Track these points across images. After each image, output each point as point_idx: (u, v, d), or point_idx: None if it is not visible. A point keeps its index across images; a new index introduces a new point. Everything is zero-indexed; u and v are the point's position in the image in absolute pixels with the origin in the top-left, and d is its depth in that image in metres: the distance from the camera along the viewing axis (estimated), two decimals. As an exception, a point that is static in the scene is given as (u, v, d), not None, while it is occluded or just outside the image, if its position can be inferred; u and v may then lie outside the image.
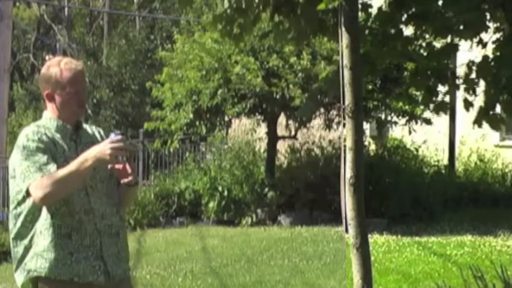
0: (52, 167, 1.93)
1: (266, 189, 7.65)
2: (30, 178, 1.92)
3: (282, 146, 8.38)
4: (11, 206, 2.02)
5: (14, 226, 2.01)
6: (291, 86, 6.96)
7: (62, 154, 1.99)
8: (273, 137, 7.95)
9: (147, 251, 6.25)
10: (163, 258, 5.81)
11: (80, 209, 1.99)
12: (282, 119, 8.03)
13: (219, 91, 7.15)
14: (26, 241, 1.99)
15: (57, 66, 2.02)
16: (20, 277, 2.01)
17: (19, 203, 1.99)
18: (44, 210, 1.97)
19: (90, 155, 1.92)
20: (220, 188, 7.68)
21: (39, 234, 1.97)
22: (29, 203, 1.97)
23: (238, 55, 7.20)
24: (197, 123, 7.46)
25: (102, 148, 1.91)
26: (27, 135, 1.98)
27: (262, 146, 8.39)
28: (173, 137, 7.53)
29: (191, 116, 7.32)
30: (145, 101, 12.65)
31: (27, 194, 1.94)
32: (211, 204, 7.64)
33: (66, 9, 18.73)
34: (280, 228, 7.27)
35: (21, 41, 19.93)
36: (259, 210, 7.59)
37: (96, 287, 2.00)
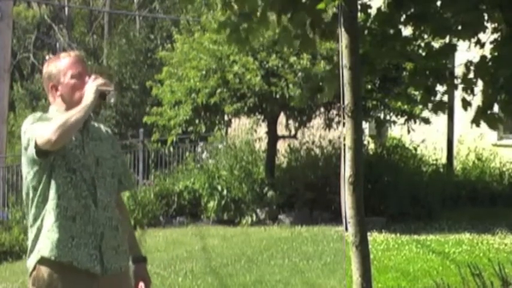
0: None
1: (266, 189, 7.67)
2: (39, 129, 1.96)
3: (281, 146, 8.40)
4: (25, 189, 2.05)
5: (29, 209, 2.04)
6: (290, 85, 6.99)
7: (69, 141, 2.01)
8: (272, 137, 7.98)
9: (147, 250, 6.26)
10: (164, 257, 5.82)
11: (86, 195, 2.02)
12: (281, 119, 8.05)
13: (218, 90, 7.18)
14: (38, 222, 2.02)
15: (55, 60, 2.09)
16: (32, 260, 2.02)
17: (33, 185, 2.01)
18: (53, 191, 2.00)
19: (89, 93, 1.99)
20: (220, 188, 7.70)
21: (48, 215, 2.01)
22: (41, 181, 2.00)
23: (237, 55, 7.23)
24: (196, 121, 7.49)
25: (92, 84, 2.00)
26: (34, 115, 2.04)
27: (262, 145, 8.42)
28: (171, 132, 7.56)
29: (190, 113, 7.36)
30: (145, 101, 12.68)
31: (37, 151, 1.95)
32: (211, 204, 7.67)
33: (66, 8, 18.74)
34: (280, 227, 7.28)
35: (22, 41, 19.92)
36: (259, 210, 7.62)
37: (92, 276, 2.01)
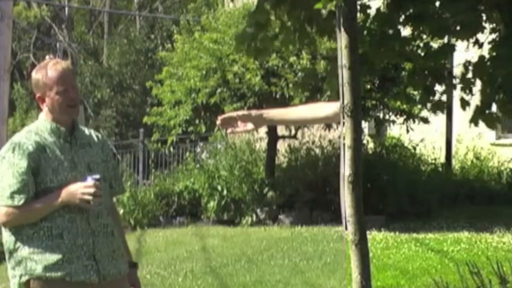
0: (23, 197, 1.96)
1: (266, 189, 7.69)
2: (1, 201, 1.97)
3: (282, 146, 8.42)
4: None
5: (4, 229, 2.04)
6: (290, 85, 7.02)
7: (54, 158, 2.00)
8: (273, 137, 8.00)
9: (147, 250, 6.28)
10: (164, 258, 5.83)
11: (73, 208, 1.99)
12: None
13: (218, 90, 7.20)
14: (11, 244, 2.01)
15: (43, 69, 2.04)
16: (13, 283, 2.02)
17: None
18: None
19: (62, 194, 1.96)
20: (220, 188, 7.72)
21: (25, 238, 1.98)
22: None
23: (236, 54, 7.25)
24: (196, 121, 7.51)
25: (74, 191, 1.95)
26: (14, 148, 1.99)
27: (262, 145, 8.44)
28: (171, 132, 7.57)
29: (190, 113, 7.38)
30: (146, 101, 12.70)
31: None
32: (211, 204, 7.69)
33: (66, 8, 18.75)
34: (281, 228, 7.30)
35: (22, 41, 19.93)
36: (259, 210, 7.64)
37: (89, 287, 2.00)
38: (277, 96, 7.08)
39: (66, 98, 2.02)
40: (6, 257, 2.03)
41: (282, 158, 8.39)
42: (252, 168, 7.93)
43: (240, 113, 2.14)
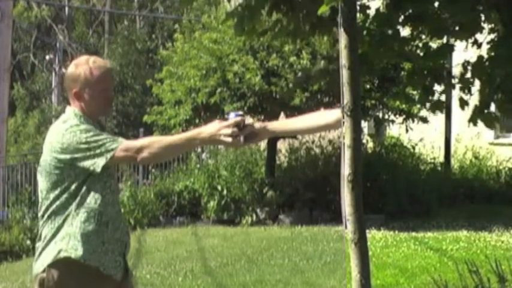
0: (120, 138, 1.96)
1: (266, 189, 7.71)
2: (113, 144, 1.93)
3: (282, 146, 8.44)
4: (46, 184, 1.99)
5: (50, 204, 1.98)
6: (290, 85, 7.04)
7: None
8: (273, 137, 8.01)
9: (147, 250, 6.30)
10: (164, 257, 5.84)
11: (118, 201, 2.05)
12: (281, 119, 8.09)
13: (218, 90, 7.22)
14: (60, 220, 1.98)
15: (85, 65, 2.01)
16: (47, 257, 1.97)
17: (64, 185, 1.96)
18: (90, 195, 1.97)
19: (201, 135, 1.91)
20: (220, 188, 7.74)
21: (75, 215, 1.97)
22: (74, 182, 1.96)
23: (236, 54, 7.27)
24: (196, 120, 7.53)
25: (214, 131, 1.88)
26: (78, 125, 1.97)
27: (262, 145, 8.46)
28: (171, 131, 7.59)
29: (190, 112, 7.40)
30: (146, 101, 12.72)
31: (105, 165, 1.91)
32: (211, 204, 7.70)
33: (66, 8, 18.74)
34: (281, 227, 7.32)
35: (22, 41, 19.91)
36: (259, 210, 7.65)
37: (112, 282, 2.01)
38: (277, 96, 7.09)
39: (104, 97, 2.03)
40: (52, 229, 1.97)
41: (282, 158, 8.41)
42: (252, 168, 7.95)
43: None
